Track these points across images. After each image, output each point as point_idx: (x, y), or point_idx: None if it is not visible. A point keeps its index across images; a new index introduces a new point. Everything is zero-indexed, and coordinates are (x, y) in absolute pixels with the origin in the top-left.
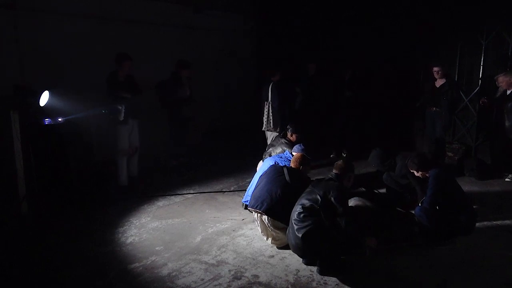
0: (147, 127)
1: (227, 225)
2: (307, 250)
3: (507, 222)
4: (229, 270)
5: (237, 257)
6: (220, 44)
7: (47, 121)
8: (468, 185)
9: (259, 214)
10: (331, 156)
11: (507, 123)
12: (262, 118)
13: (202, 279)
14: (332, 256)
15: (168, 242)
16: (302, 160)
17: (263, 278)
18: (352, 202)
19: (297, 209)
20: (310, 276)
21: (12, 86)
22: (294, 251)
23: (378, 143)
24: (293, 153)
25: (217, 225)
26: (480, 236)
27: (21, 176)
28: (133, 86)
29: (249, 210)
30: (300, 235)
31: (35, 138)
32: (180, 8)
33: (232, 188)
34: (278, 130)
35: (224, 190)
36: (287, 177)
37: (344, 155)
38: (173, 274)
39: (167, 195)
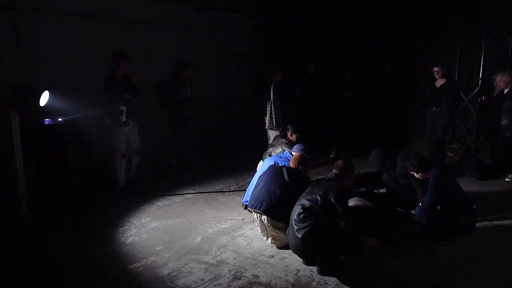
0: (147, 127)
1: (227, 225)
2: (307, 251)
3: (507, 222)
4: (229, 270)
5: (237, 257)
6: (220, 44)
7: (47, 121)
8: (468, 185)
9: (258, 214)
10: (331, 156)
11: (503, 122)
12: (265, 117)
13: (202, 279)
14: (332, 256)
15: (168, 242)
16: (301, 159)
17: (263, 278)
18: (352, 202)
19: (297, 209)
20: (310, 276)
21: (12, 86)
22: (294, 252)
23: (378, 143)
24: (293, 153)
25: (217, 225)
26: (480, 236)
27: (21, 176)
28: (132, 86)
29: (248, 210)
30: (300, 236)
31: (35, 138)
32: (180, 8)
33: (232, 188)
34: (280, 129)
35: (224, 190)
36: (286, 177)
37: (343, 155)
38: (173, 274)
39: (167, 195)
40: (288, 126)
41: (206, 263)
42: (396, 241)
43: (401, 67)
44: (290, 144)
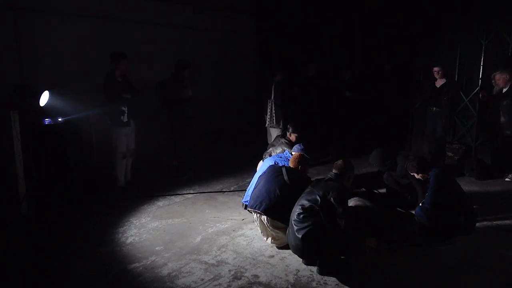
0: (147, 127)
1: (227, 225)
2: (307, 251)
3: (507, 222)
4: (229, 270)
5: (237, 257)
6: (220, 44)
7: (47, 121)
8: (468, 185)
9: (258, 214)
10: (331, 156)
11: (502, 119)
12: (265, 115)
13: (202, 279)
14: (332, 256)
15: (168, 242)
16: (300, 159)
17: (263, 278)
18: (352, 202)
19: (296, 209)
20: (310, 276)
21: (12, 86)
22: (294, 252)
23: (379, 143)
24: (293, 153)
25: (217, 225)
26: (480, 236)
27: (21, 176)
28: (131, 86)
29: (248, 210)
30: (300, 236)
31: (35, 138)
32: (180, 8)
33: (232, 188)
34: (281, 127)
35: (224, 190)
36: (285, 177)
37: (343, 155)
38: (173, 274)
39: (167, 195)
40: (288, 126)
41: (206, 263)
42: (396, 241)
43: (401, 67)
44: (290, 144)
